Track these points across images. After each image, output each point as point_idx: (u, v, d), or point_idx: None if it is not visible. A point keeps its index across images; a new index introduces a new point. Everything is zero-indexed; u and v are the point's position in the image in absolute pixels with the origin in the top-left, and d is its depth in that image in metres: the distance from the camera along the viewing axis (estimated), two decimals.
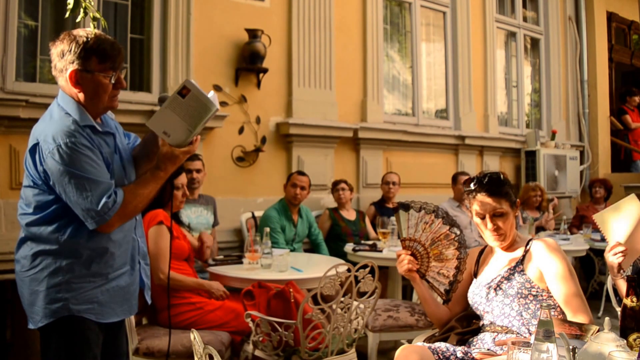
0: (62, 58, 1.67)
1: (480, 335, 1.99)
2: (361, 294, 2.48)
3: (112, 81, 1.71)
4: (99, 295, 1.74)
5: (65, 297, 1.69)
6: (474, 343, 1.98)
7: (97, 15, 1.95)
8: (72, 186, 1.62)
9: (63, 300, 1.69)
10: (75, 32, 1.70)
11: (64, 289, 1.69)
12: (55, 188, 1.65)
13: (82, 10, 1.89)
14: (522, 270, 1.98)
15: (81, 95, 1.69)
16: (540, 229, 5.04)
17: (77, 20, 1.94)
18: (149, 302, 2.03)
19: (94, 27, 1.73)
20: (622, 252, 1.89)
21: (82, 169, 1.62)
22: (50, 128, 1.65)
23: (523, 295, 1.94)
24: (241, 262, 3.15)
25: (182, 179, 2.93)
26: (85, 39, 1.67)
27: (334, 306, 2.39)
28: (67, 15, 1.89)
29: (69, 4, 1.87)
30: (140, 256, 1.93)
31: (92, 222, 1.65)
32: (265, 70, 4.20)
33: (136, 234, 1.90)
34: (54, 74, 1.72)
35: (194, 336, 1.46)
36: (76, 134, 1.64)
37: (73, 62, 1.66)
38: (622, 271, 1.88)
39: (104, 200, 1.63)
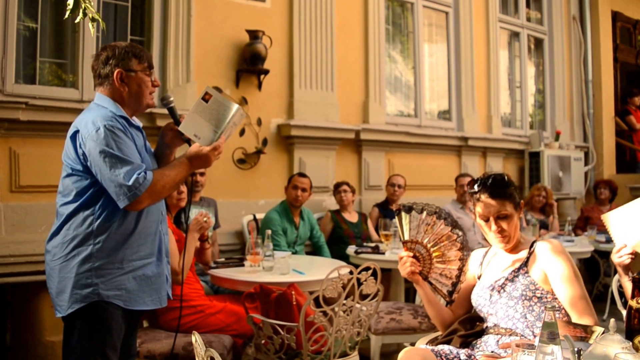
0: (107, 64, 1.90)
1: (484, 338, 1.97)
2: (364, 297, 2.46)
3: (152, 78, 1.95)
4: (126, 282, 1.85)
5: (95, 282, 1.80)
6: (478, 345, 1.96)
7: (97, 16, 1.95)
8: (106, 164, 1.76)
9: (93, 285, 1.79)
10: (113, 43, 1.94)
11: (94, 275, 1.80)
12: (92, 168, 1.79)
13: (81, 11, 1.89)
14: (527, 272, 1.96)
15: (125, 94, 1.91)
16: (543, 224, 5.00)
17: (77, 21, 1.95)
18: (171, 297, 2.09)
19: (93, 28, 1.78)
20: (628, 254, 1.86)
21: (117, 148, 1.78)
22: (90, 116, 1.84)
23: (527, 297, 1.91)
24: (243, 265, 3.13)
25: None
26: (123, 45, 1.93)
27: (336, 309, 2.37)
28: (66, 16, 1.89)
29: (69, 4, 1.87)
30: (165, 252, 2.01)
31: (125, 198, 1.76)
32: (266, 72, 4.18)
33: (162, 229, 2.00)
34: (96, 82, 1.94)
35: (196, 339, 1.44)
36: (113, 119, 1.83)
37: (118, 65, 1.89)
38: (630, 273, 1.85)
39: (135, 176, 1.76)
